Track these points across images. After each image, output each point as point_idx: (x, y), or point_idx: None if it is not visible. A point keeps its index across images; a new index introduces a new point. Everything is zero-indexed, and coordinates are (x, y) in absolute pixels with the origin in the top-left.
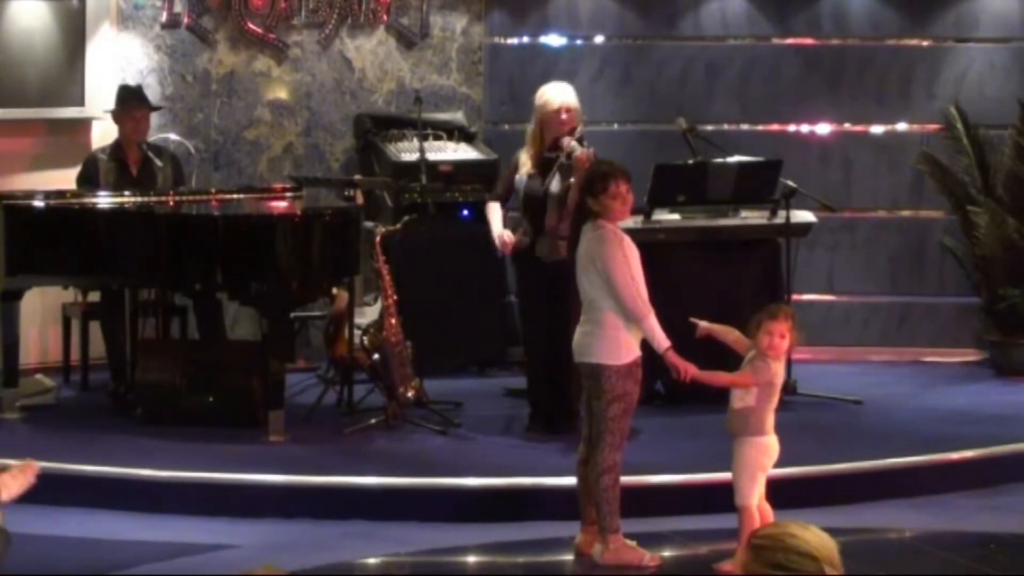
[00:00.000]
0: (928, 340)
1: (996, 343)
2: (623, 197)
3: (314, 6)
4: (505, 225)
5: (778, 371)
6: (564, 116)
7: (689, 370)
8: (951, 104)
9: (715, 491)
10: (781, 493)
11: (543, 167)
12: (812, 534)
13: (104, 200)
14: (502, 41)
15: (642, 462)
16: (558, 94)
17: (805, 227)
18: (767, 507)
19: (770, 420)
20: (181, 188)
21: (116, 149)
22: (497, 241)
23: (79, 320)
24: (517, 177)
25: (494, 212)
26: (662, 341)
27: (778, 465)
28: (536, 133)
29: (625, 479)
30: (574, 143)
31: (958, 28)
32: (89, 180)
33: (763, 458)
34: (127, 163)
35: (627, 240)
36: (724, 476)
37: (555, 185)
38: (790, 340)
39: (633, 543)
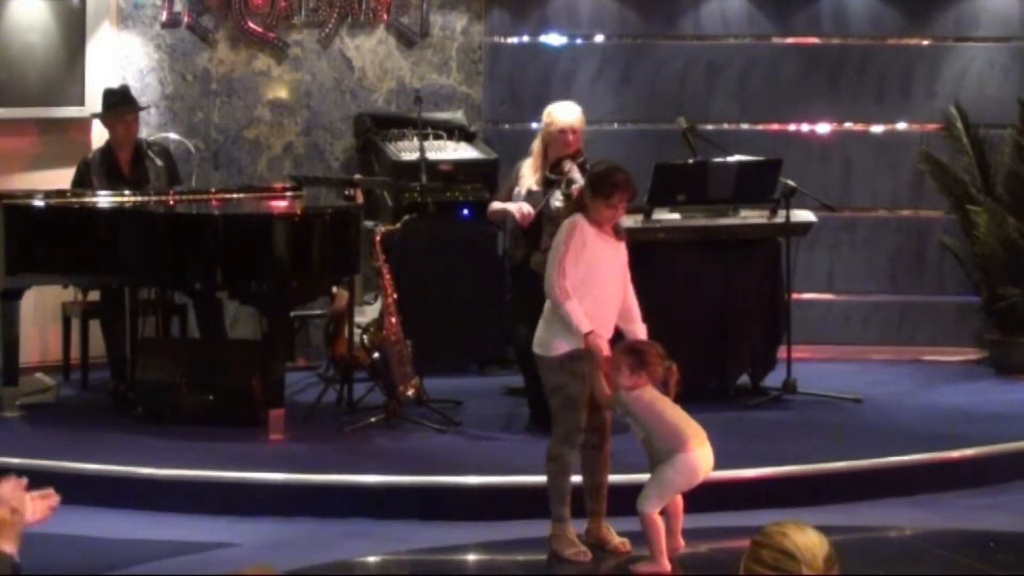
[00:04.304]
0: (928, 339)
1: (996, 342)
2: (616, 209)
3: (314, 5)
4: (500, 240)
5: (626, 402)
6: (569, 137)
7: (606, 353)
8: (951, 103)
9: (715, 490)
10: (782, 493)
11: (545, 186)
12: (803, 535)
13: (104, 199)
14: (502, 40)
15: (641, 462)
16: (564, 114)
17: (805, 226)
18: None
19: (667, 439)
20: (180, 188)
21: (107, 151)
22: (516, 212)
23: (79, 319)
24: (516, 190)
25: (501, 203)
26: (582, 325)
27: (778, 464)
28: (540, 149)
29: (625, 478)
30: (575, 172)
31: (958, 28)
32: (82, 185)
33: (679, 477)
34: (118, 163)
35: (582, 228)
36: (722, 476)
37: (553, 205)
38: (622, 376)
39: (573, 536)
